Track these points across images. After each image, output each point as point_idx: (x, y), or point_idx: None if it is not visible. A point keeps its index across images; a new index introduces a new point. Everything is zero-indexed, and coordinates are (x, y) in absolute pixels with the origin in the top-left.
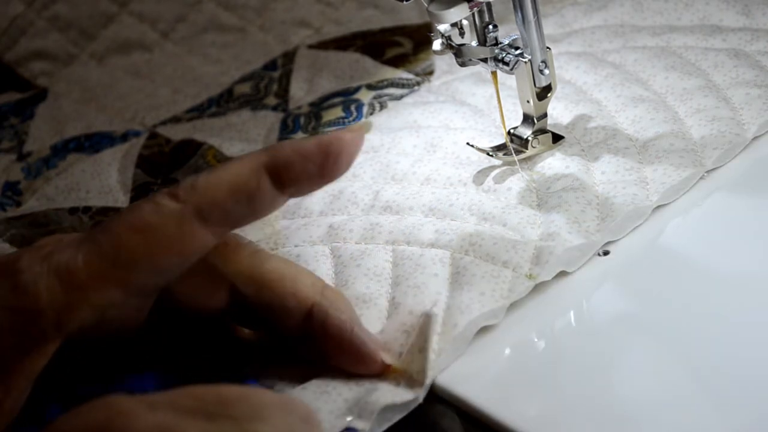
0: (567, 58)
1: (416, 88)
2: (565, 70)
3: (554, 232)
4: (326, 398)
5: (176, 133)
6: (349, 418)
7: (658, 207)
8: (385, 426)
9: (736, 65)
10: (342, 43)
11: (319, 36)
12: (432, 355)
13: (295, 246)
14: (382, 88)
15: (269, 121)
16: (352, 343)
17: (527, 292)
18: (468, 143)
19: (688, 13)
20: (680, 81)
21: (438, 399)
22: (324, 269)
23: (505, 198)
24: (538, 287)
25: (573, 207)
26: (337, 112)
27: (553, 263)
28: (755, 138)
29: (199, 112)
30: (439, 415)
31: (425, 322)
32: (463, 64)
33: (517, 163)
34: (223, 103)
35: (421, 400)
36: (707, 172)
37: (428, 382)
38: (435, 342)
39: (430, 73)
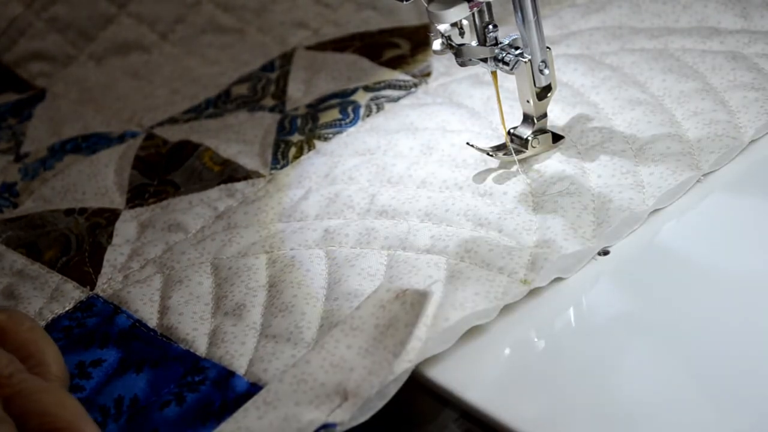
0: (564, 60)
1: (413, 89)
2: (563, 72)
3: (550, 239)
4: (304, 387)
5: (173, 134)
6: (329, 412)
7: (656, 209)
8: (368, 414)
9: (734, 68)
10: (340, 45)
11: (317, 37)
12: (419, 337)
13: (291, 249)
14: (379, 89)
15: (266, 122)
16: None
17: (522, 296)
18: (468, 143)
19: (686, 15)
20: (677, 83)
21: (439, 400)
22: (318, 269)
23: (501, 203)
24: (538, 288)
25: (569, 212)
26: (334, 114)
27: (548, 270)
28: (752, 141)
29: (196, 113)
30: (440, 420)
31: (420, 299)
32: (463, 64)
33: (517, 163)
34: (220, 104)
35: (397, 374)
36: (704, 175)
37: (408, 365)
38: (423, 331)
39: (428, 74)
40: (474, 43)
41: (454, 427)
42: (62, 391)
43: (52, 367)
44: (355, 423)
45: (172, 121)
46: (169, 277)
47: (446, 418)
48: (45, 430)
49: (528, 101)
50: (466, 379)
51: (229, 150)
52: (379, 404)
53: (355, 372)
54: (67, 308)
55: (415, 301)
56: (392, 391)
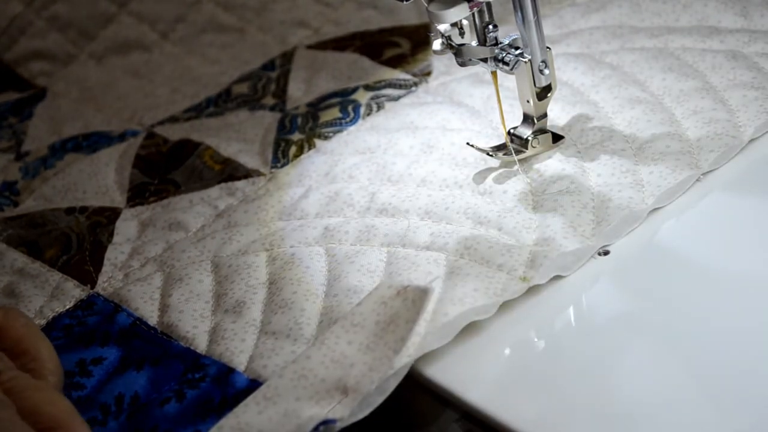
0: (565, 60)
1: (413, 88)
2: (563, 72)
3: (549, 237)
4: (304, 383)
5: (174, 133)
6: (329, 408)
7: (655, 208)
8: (368, 410)
9: (734, 67)
10: (340, 44)
11: (318, 36)
12: (418, 332)
13: (291, 247)
14: (379, 88)
15: (267, 121)
16: None
17: (521, 293)
18: (468, 143)
19: (686, 15)
20: (677, 82)
21: (439, 400)
22: (318, 266)
23: (501, 201)
24: (537, 287)
25: (569, 211)
26: (335, 113)
27: (548, 267)
28: (752, 140)
29: (197, 112)
30: (441, 421)
31: (421, 295)
32: (463, 64)
33: (517, 163)
34: (221, 103)
35: (396, 369)
36: (703, 174)
37: (407, 360)
38: (422, 326)
39: (428, 73)
40: (474, 43)
41: (455, 426)
42: (53, 389)
43: (48, 363)
44: (354, 419)
45: (173, 119)
46: (170, 275)
47: (447, 419)
48: (37, 429)
49: (528, 101)
50: (466, 379)
51: (229, 149)
52: (379, 399)
53: (356, 368)
54: (67, 306)
55: (416, 298)
56: (391, 386)
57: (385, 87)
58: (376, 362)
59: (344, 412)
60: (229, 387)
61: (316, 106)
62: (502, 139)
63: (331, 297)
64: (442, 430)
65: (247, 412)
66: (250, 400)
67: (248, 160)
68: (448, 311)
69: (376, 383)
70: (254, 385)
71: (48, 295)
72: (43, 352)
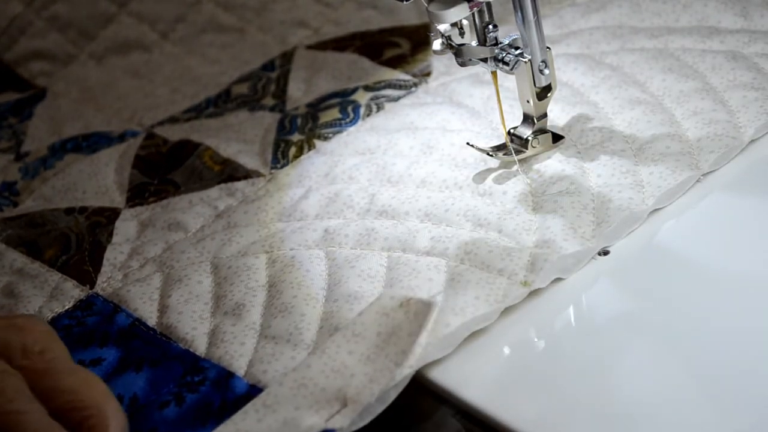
0: (564, 60)
1: (413, 89)
2: (563, 72)
3: (549, 239)
4: (304, 392)
5: (174, 133)
6: (328, 417)
7: (656, 208)
8: (368, 419)
9: (734, 67)
10: (340, 44)
11: (318, 36)
12: (419, 342)
13: (291, 249)
14: (379, 89)
15: (266, 121)
16: None
17: (522, 298)
18: (468, 143)
19: (686, 15)
20: (677, 83)
21: (438, 399)
22: (318, 270)
23: (500, 203)
24: (537, 288)
25: (569, 212)
26: (335, 113)
27: (548, 271)
28: (752, 141)
29: (196, 112)
30: (439, 416)
31: (424, 309)
32: (463, 64)
33: (517, 163)
34: (220, 103)
35: (397, 381)
36: (703, 174)
37: (408, 371)
38: (423, 337)
39: (428, 74)
40: (474, 43)
41: (453, 421)
42: (88, 371)
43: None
44: (354, 428)
45: (173, 120)
46: (169, 276)
47: (445, 414)
48: (71, 408)
49: (528, 101)
50: (466, 379)
51: (229, 149)
52: (379, 408)
53: (356, 378)
54: (66, 307)
55: (418, 311)
56: (392, 396)
57: (384, 87)
58: (377, 374)
59: (344, 421)
60: (229, 392)
61: (316, 107)
62: (502, 139)
63: (332, 302)
64: (440, 426)
65: (246, 419)
66: (249, 407)
67: (248, 160)
68: (450, 321)
69: (377, 395)
70: (254, 390)
71: (47, 295)
72: (61, 354)
